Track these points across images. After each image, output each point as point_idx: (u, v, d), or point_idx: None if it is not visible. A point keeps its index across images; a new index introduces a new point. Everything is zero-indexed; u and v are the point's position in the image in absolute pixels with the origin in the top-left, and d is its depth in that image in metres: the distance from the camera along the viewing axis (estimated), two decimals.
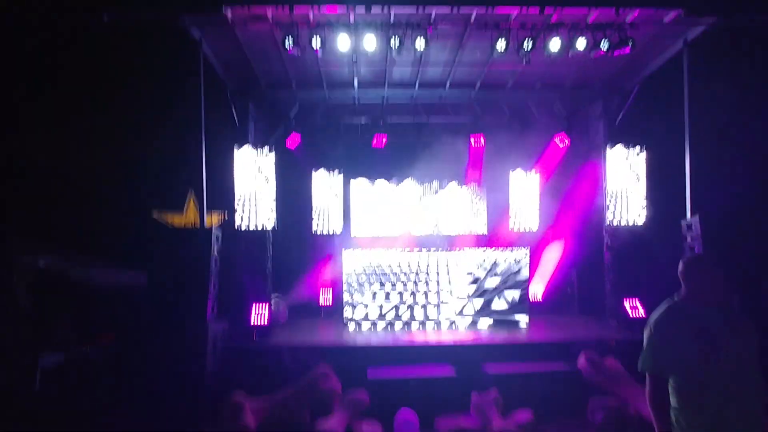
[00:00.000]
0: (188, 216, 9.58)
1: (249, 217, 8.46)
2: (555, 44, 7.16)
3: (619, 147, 8.56)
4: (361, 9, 6.87)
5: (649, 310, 2.77)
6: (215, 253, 7.37)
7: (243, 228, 8.39)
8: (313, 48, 7.03)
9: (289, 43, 7.03)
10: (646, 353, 2.64)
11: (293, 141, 10.18)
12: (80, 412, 5.93)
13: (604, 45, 7.15)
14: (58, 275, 6.64)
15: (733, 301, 2.61)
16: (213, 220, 8.71)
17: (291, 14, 6.98)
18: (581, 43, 7.18)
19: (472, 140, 10.36)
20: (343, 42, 7.07)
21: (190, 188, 9.16)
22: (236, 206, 8.40)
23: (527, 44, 7.16)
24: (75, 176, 8.26)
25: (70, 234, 7.59)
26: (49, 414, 5.94)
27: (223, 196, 8.41)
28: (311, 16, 7.05)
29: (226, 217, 8.84)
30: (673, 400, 2.56)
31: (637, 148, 8.53)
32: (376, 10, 6.87)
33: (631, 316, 7.91)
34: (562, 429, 5.85)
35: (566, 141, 10.26)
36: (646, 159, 8.47)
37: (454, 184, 11.36)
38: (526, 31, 7.14)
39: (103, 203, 8.34)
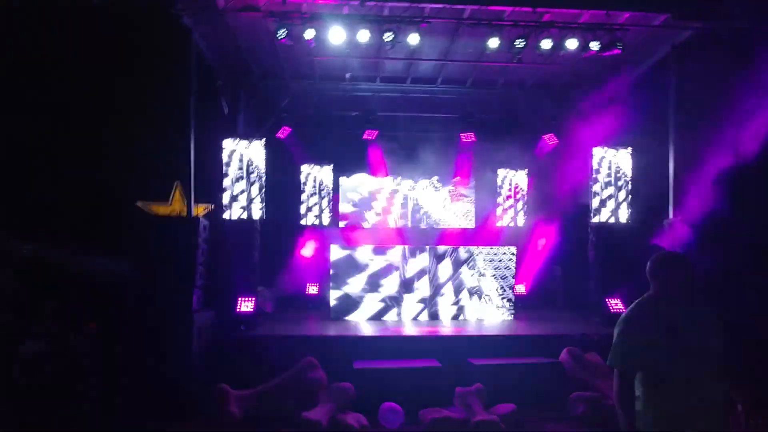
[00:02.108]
0: (174, 206, 9.49)
1: (237, 208, 8.42)
2: (546, 43, 7.23)
3: (606, 146, 8.68)
4: (355, 1, 6.86)
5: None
6: (202, 243, 7.33)
7: (231, 218, 8.35)
8: (305, 39, 7.00)
9: (281, 33, 6.99)
10: (616, 349, 2.74)
11: (283, 132, 10.14)
12: (63, 400, 5.88)
13: (595, 46, 7.25)
14: (42, 262, 6.55)
15: (698, 297, 2.73)
16: (200, 210, 8.64)
17: (284, 4, 6.94)
18: (572, 43, 7.27)
19: (462, 137, 10.44)
20: (336, 34, 7.04)
21: (177, 178, 9.05)
22: (224, 197, 8.35)
23: (519, 42, 7.22)
24: (61, 163, 8.12)
25: (55, 221, 7.48)
26: (30, 402, 5.87)
27: (211, 187, 8.34)
28: (304, 6, 7.01)
29: (214, 208, 8.78)
30: (639, 392, 2.70)
31: (623, 148, 8.66)
32: (370, 2, 6.87)
33: (613, 312, 8.07)
34: (545, 421, 5.96)
35: (554, 139, 10.39)
36: (632, 159, 8.61)
37: (443, 178, 11.45)
38: (518, 29, 7.20)
39: (90, 191, 8.22)
